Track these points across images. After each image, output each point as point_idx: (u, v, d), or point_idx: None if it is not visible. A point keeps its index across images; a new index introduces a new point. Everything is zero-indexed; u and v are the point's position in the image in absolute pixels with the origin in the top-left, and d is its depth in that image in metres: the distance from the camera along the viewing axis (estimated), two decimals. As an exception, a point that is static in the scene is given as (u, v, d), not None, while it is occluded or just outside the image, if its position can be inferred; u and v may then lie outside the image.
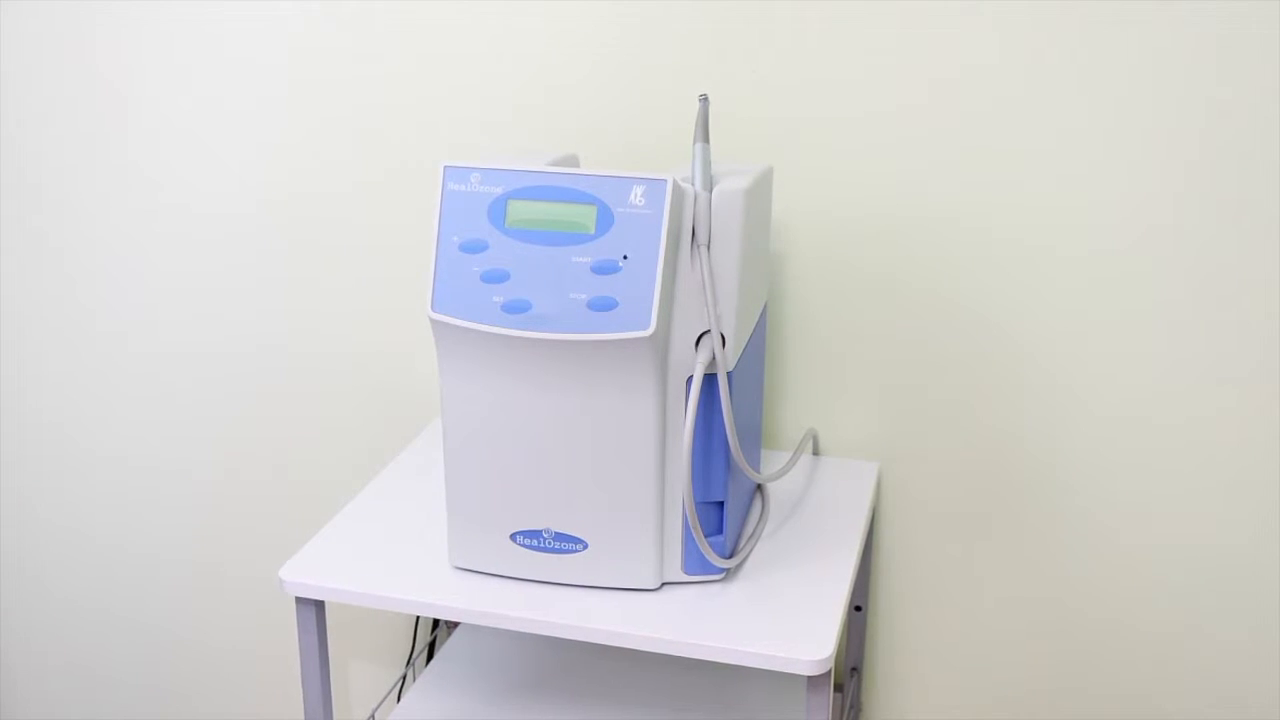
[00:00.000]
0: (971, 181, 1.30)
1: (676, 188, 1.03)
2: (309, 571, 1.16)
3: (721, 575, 1.15)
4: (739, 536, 1.20)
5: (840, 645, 1.48)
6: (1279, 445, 1.30)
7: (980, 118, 1.28)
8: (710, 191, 1.04)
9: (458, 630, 1.50)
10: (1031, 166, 1.28)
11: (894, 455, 1.41)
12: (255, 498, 1.66)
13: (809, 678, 1.05)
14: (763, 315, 1.23)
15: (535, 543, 1.12)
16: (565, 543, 1.11)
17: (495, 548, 1.13)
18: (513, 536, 1.12)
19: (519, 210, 1.05)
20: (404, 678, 1.53)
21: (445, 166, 1.06)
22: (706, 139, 1.06)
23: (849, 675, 1.47)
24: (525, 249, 1.04)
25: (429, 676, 1.42)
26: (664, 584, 1.14)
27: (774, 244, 1.38)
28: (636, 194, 1.03)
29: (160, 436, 1.66)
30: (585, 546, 1.11)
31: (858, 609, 1.45)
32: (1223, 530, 1.34)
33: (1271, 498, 1.31)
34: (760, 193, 1.13)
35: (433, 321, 1.07)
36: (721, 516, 1.13)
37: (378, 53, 1.43)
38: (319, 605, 1.17)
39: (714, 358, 1.06)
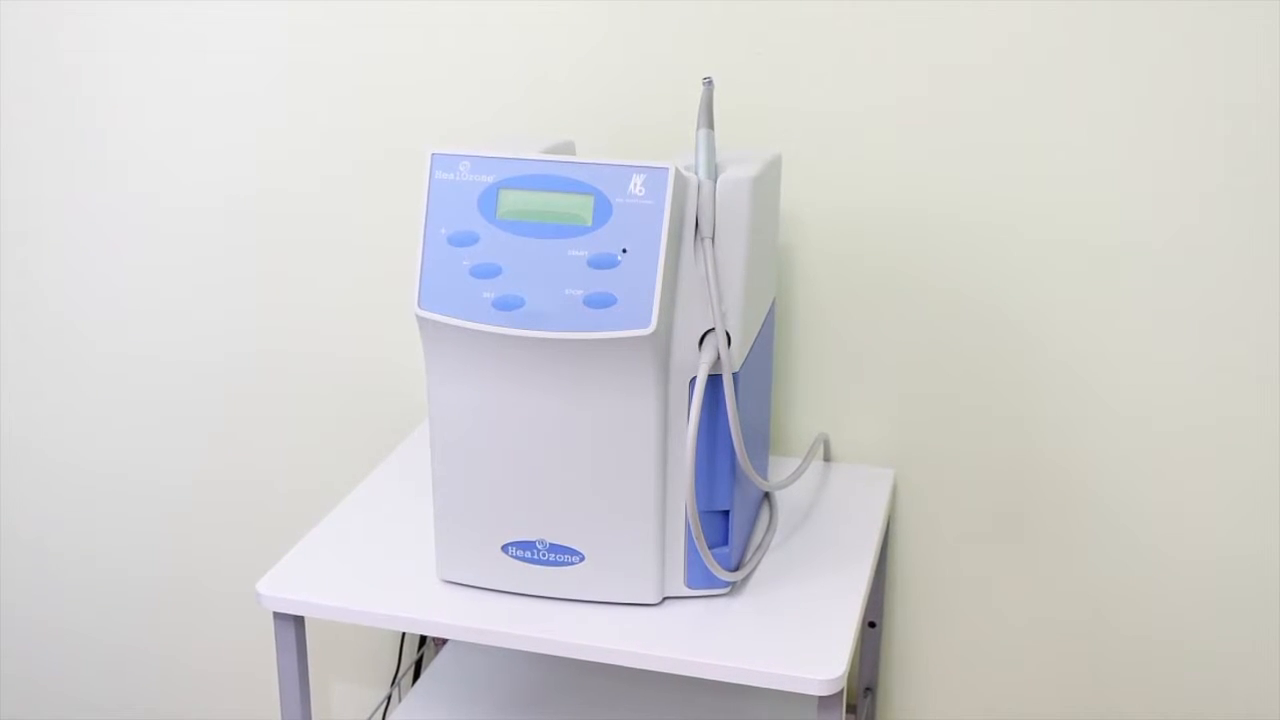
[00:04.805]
0: (991, 174, 1.30)
1: (679, 176, 1.03)
2: (288, 585, 1.16)
3: (727, 589, 1.14)
4: (745, 548, 1.20)
5: (853, 663, 1.48)
6: (1320, 450, 1.30)
7: (1003, 108, 1.28)
8: (715, 180, 1.04)
9: (446, 648, 1.50)
10: (1059, 160, 1.28)
11: (910, 461, 1.41)
12: (231, 507, 1.66)
13: (820, 698, 1.05)
14: (770, 312, 1.23)
15: (529, 555, 1.12)
16: (561, 554, 1.11)
17: (486, 560, 1.13)
18: (504, 548, 1.12)
19: (511, 200, 1.05)
20: (389, 698, 1.53)
21: (432, 154, 1.06)
22: (711, 125, 1.05)
23: (862, 695, 1.47)
24: (518, 242, 1.04)
25: (415, 697, 1.42)
26: (666, 598, 1.13)
27: (783, 237, 1.38)
28: (636, 183, 1.03)
29: (130, 443, 1.66)
30: (582, 559, 1.11)
31: (871, 625, 1.45)
32: (1262, 540, 1.34)
33: (1312, 506, 1.32)
34: (768, 182, 1.13)
35: (419, 319, 1.07)
36: (727, 526, 1.13)
37: (363, 34, 1.43)
38: (298, 621, 1.17)
39: (718, 357, 1.05)
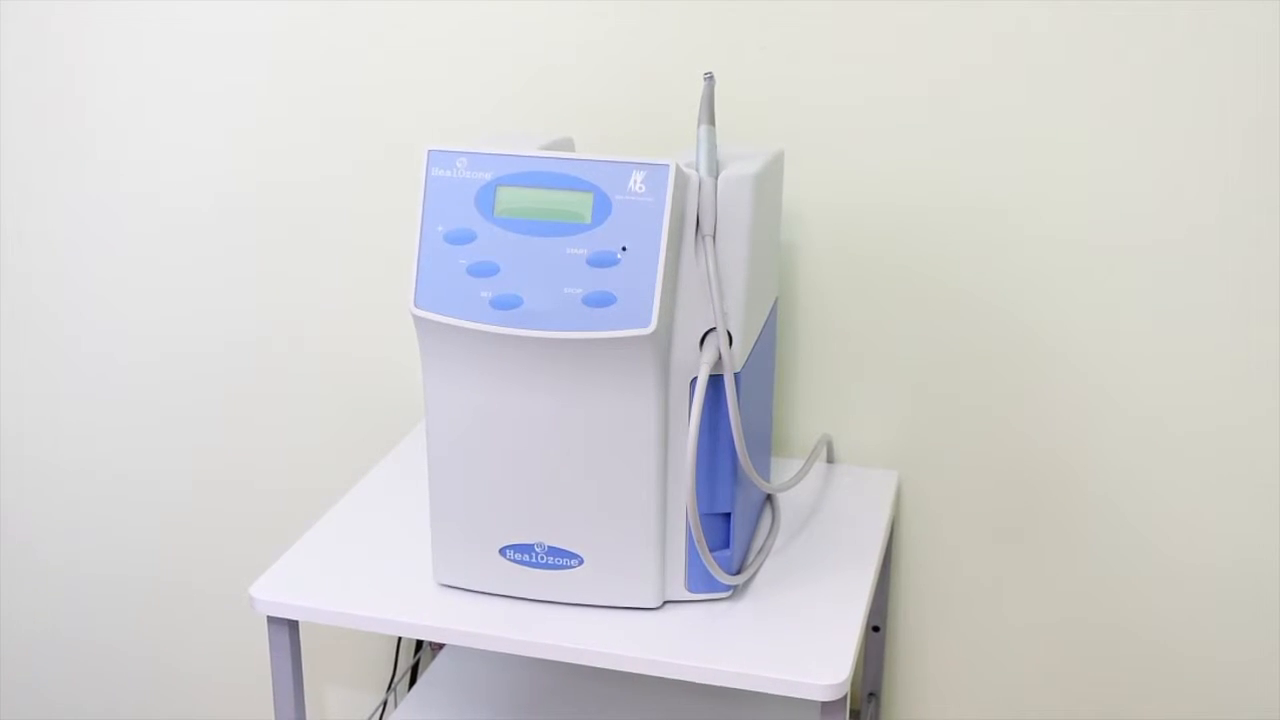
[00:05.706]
0: (995, 172, 1.30)
1: (679, 173, 1.02)
2: (282, 589, 1.15)
3: (728, 593, 1.14)
4: (747, 551, 1.20)
5: (856, 669, 1.48)
6: (1331, 452, 1.29)
7: (1013, 103, 1.28)
8: (716, 177, 1.04)
9: (442, 652, 1.50)
10: (1063, 158, 1.28)
11: (914, 463, 1.41)
12: (225, 510, 1.65)
13: (823, 703, 1.05)
14: (772, 312, 1.22)
15: (527, 558, 1.11)
16: (559, 558, 1.11)
17: (483, 563, 1.12)
18: (502, 551, 1.12)
19: (509, 198, 1.04)
20: (384, 703, 1.53)
21: (429, 150, 1.06)
22: (712, 121, 1.05)
23: (866, 701, 1.47)
24: (516, 240, 1.04)
25: (411, 702, 1.42)
26: (666, 602, 1.13)
27: (785, 234, 1.37)
28: (636, 180, 1.02)
29: (124, 445, 1.66)
30: (581, 562, 1.10)
31: (875, 629, 1.45)
32: (1267, 542, 1.33)
33: (1322, 509, 1.31)
34: (770, 179, 1.12)
35: (415, 318, 1.06)
36: (728, 529, 1.13)
37: (358, 30, 1.42)
38: (293, 625, 1.17)
39: (720, 357, 1.05)
